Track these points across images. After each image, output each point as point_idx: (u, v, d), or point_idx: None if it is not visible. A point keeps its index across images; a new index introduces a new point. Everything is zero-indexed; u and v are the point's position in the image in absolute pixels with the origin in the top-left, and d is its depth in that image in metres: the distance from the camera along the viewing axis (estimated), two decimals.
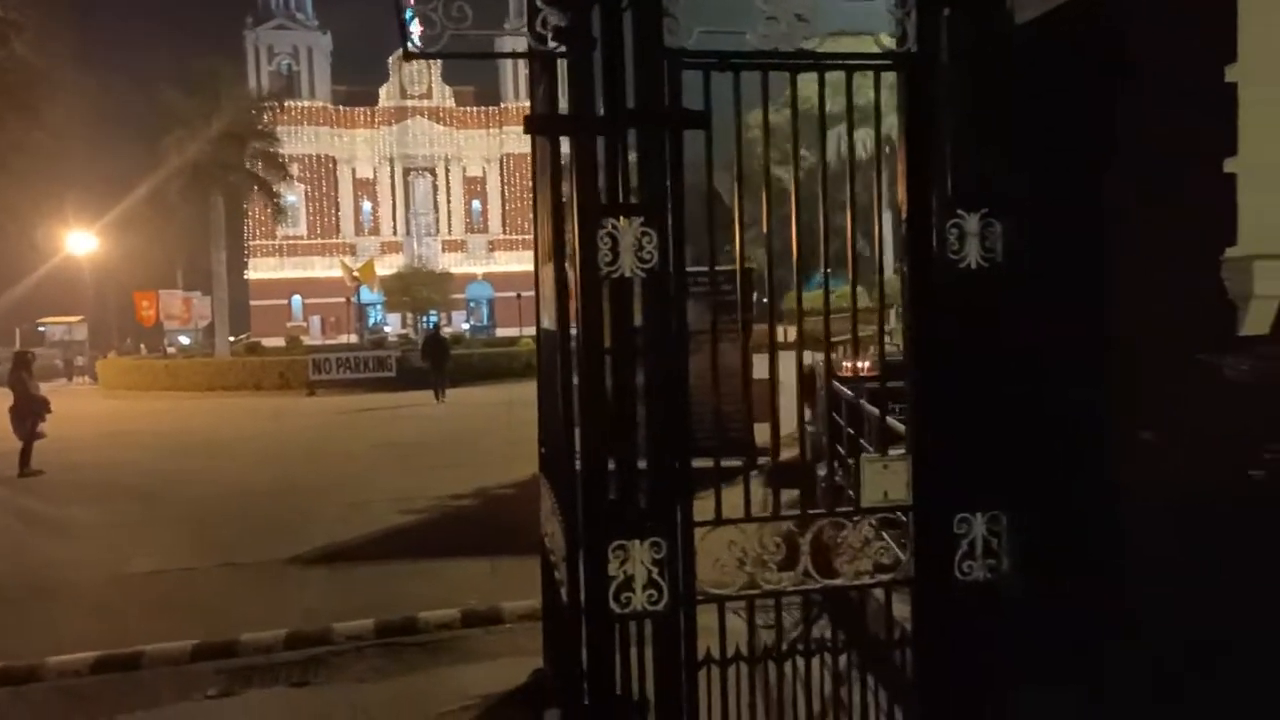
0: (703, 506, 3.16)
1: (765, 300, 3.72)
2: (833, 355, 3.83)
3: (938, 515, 3.27)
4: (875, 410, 4.77)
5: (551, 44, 3.15)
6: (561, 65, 3.32)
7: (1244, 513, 3.06)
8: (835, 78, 3.25)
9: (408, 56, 3.08)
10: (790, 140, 3.22)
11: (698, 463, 3.16)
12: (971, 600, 3.25)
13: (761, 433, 3.44)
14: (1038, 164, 3.27)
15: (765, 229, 3.38)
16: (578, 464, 3.21)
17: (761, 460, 3.83)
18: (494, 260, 64.61)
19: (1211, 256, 3.05)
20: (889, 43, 3.33)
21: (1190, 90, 3.04)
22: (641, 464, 3.14)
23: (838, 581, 3.30)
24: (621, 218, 3.06)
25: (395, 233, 65.51)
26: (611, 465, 3.11)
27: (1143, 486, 3.06)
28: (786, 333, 4.09)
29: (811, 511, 3.35)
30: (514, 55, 3.35)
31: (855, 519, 3.30)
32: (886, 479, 3.35)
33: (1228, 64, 3.04)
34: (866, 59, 3.34)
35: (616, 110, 3.12)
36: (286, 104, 48.72)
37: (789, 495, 3.75)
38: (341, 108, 64.43)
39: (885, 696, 3.45)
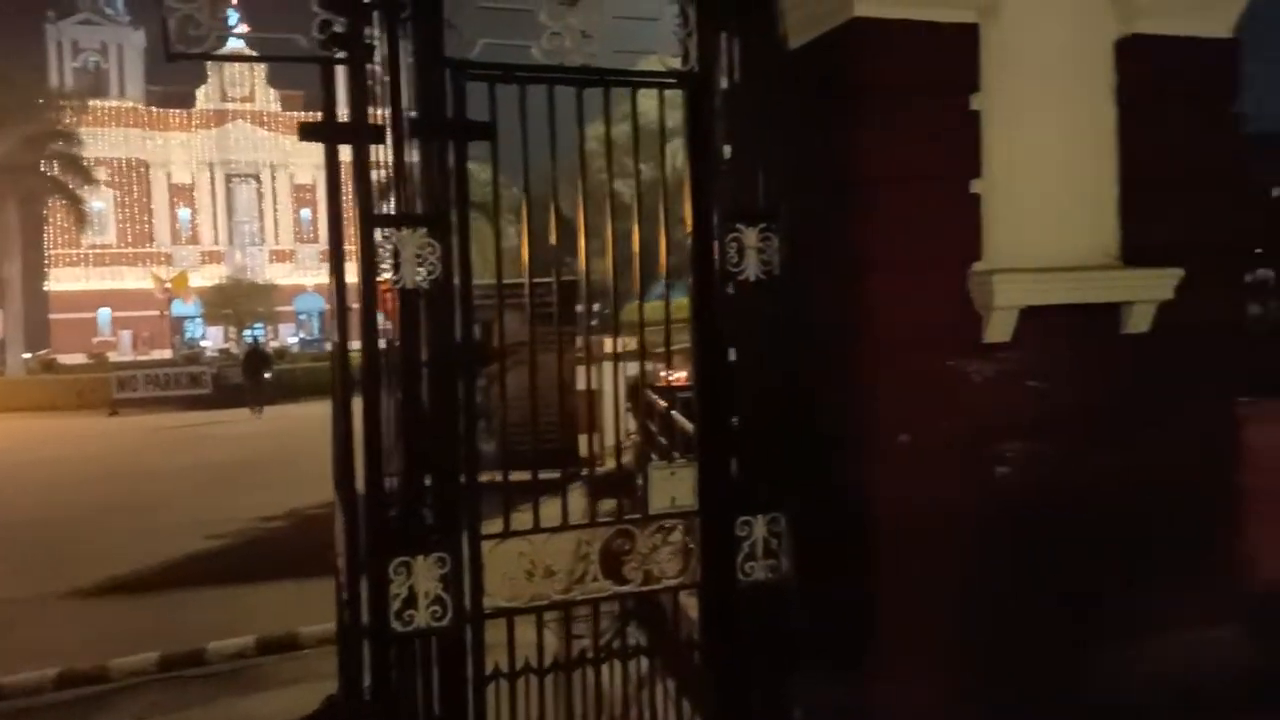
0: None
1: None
2: (652, 366, 3.91)
3: (721, 519, 3.36)
4: (679, 418, 4.91)
5: (332, 49, 3.08)
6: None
7: (991, 506, 3.32)
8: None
9: (170, 58, 2.92)
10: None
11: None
12: (753, 599, 3.36)
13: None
14: (808, 181, 3.43)
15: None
16: (359, 480, 3.13)
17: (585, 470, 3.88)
18: (325, 271, 61.68)
19: (959, 270, 3.30)
20: (675, 64, 3.43)
21: (939, 115, 3.27)
22: None
23: (625, 589, 3.34)
24: (404, 228, 3.01)
25: (217, 242, 61.98)
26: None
27: (903, 485, 3.26)
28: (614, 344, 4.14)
29: (599, 520, 3.39)
30: (292, 59, 3.21)
31: (643, 526, 3.36)
32: (674, 485, 3.43)
33: (972, 93, 3.30)
34: (651, 76, 3.43)
35: (397, 119, 3.07)
36: (93, 103, 45.54)
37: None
38: (155, 109, 60.54)
39: (678, 698, 3.52)
